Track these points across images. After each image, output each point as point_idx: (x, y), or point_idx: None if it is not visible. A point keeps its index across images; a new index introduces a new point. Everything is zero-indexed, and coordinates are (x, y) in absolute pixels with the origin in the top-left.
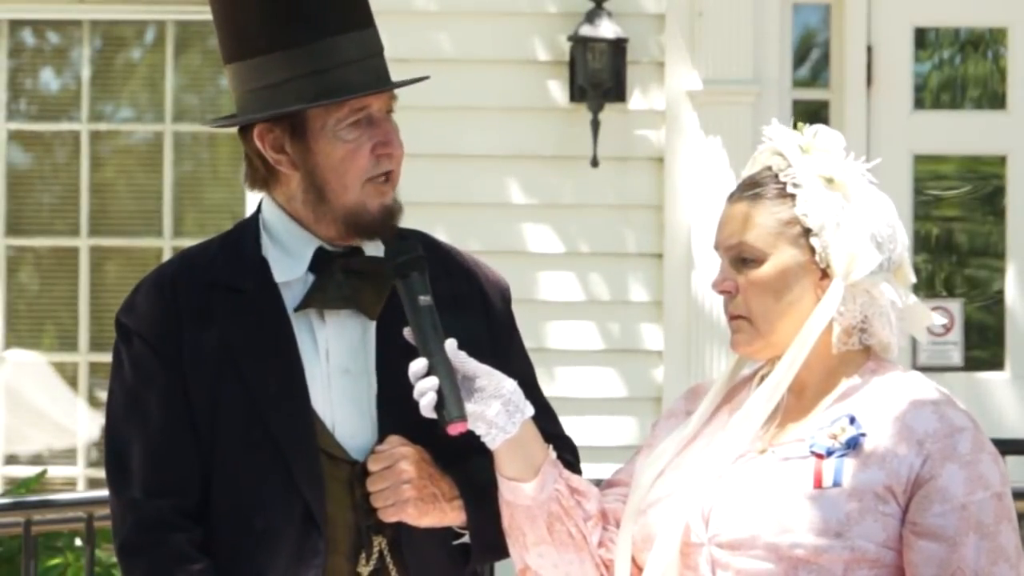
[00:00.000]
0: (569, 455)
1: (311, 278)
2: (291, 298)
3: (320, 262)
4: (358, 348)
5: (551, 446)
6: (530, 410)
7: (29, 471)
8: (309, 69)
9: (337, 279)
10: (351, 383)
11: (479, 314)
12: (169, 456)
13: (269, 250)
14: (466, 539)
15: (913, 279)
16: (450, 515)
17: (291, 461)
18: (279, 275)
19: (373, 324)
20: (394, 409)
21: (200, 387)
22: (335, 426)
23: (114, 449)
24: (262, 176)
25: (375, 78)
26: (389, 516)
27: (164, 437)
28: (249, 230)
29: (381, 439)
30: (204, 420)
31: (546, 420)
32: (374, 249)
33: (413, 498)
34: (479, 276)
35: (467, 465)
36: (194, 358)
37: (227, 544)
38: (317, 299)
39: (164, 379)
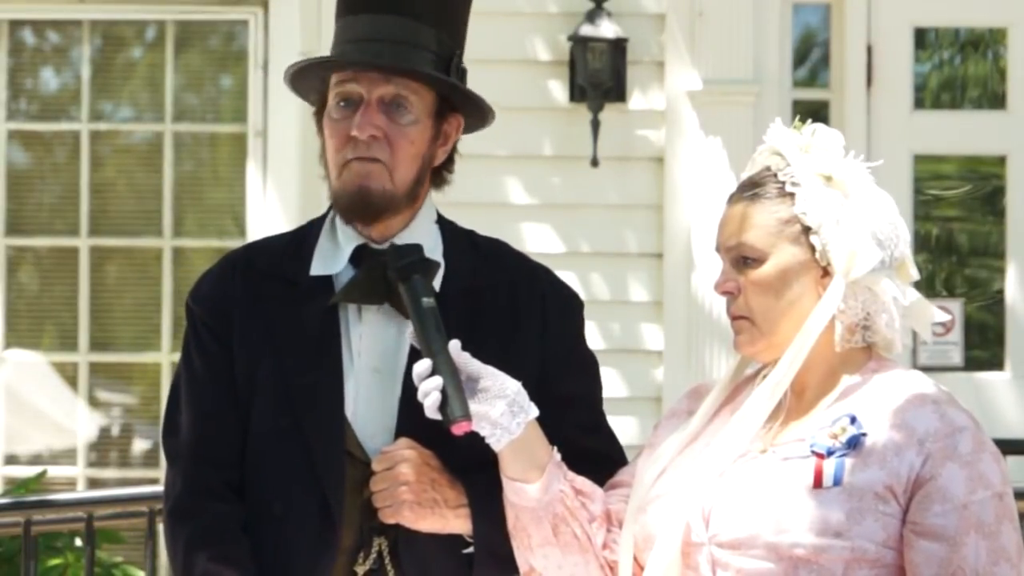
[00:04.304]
0: (605, 475)
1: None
2: None
3: (362, 258)
4: (391, 348)
5: (555, 448)
6: (534, 411)
7: (29, 471)
8: (335, 40)
9: (374, 275)
10: (379, 383)
11: (535, 324)
12: (221, 434)
13: (320, 246)
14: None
15: (916, 275)
16: (453, 522)
17: (316, 457)
18: (316, 268)
19: (410, 325)
20: (414, 412)
21: (242, 370)
22: (357, 426)
23: (172, 421)
24: None
25: (369, 58)
26: (386, 517)
27: (217, 415)
28: (318, 223)
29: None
30: (242, 402)
31: (596, 440)
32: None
33: (409, 501)
34: (545, 288)
35: (481, 472)
36: (241, 343)
37: (246, 525)
38: (352, 294)
39: (219, 361)
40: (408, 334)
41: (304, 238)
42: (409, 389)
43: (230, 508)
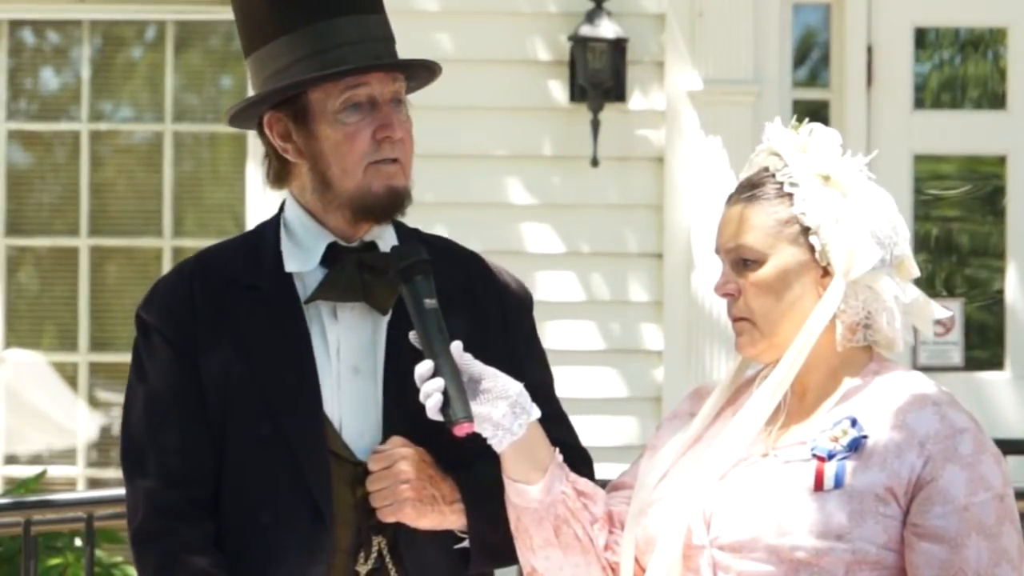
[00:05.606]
0: (583, 467)
1: (324, 273)
2: (305, 294)
3: (333, 257)
4: (369, 346)
5: (557, 449)
6: (536, 412)
7: (29, 471)
8: (308, 51)
9: (349, 272)
10: (361, 382)
11: (496, 320)
12: (184, 449)
13: (285, 245)
14: (467, 543)
15: (916, 273)
16: (450, 518)
17: (300, 460)
18: (290, 265)
19: (384, 322)
20: (400, 410)
21: (213, 382)
22: (342, 426)
23: (130, 440)
24: (277, 170)
25: (373, 59)
26: (387, 516)
27: (179, 430)
28: (270, 228)
29: (386, 440)
30: (216, 414)
31: (560, 430)
32: (388, 246)
33: (411, 499)
34: (499, 282)
35: (471, 468)
36: (208, 353)
37: (233, 538)
38: (328, 292)
39: (179, 373)
40: (410, 335)
41: (258, 241)
42: (391, 386)
43: (198, 527)
